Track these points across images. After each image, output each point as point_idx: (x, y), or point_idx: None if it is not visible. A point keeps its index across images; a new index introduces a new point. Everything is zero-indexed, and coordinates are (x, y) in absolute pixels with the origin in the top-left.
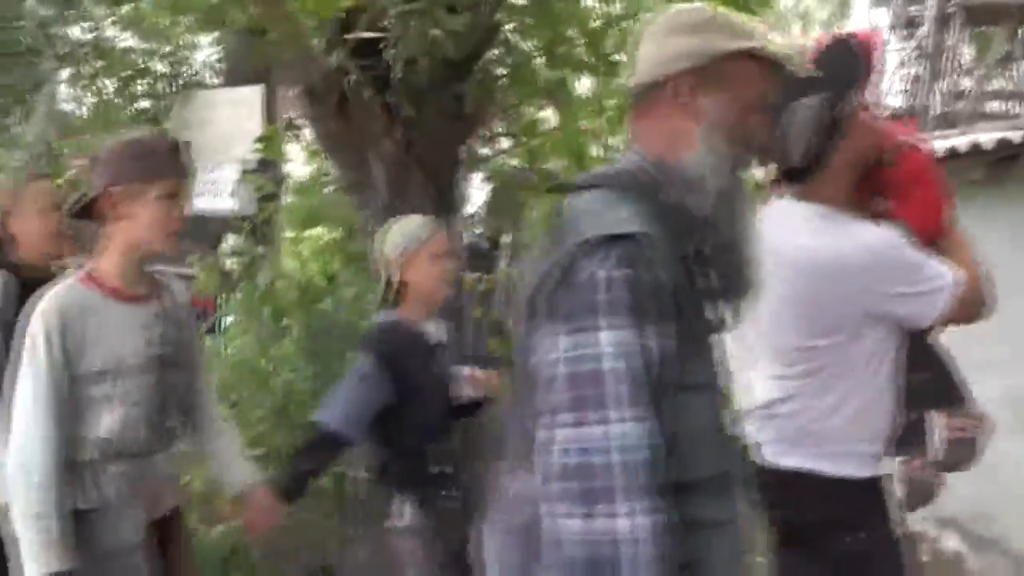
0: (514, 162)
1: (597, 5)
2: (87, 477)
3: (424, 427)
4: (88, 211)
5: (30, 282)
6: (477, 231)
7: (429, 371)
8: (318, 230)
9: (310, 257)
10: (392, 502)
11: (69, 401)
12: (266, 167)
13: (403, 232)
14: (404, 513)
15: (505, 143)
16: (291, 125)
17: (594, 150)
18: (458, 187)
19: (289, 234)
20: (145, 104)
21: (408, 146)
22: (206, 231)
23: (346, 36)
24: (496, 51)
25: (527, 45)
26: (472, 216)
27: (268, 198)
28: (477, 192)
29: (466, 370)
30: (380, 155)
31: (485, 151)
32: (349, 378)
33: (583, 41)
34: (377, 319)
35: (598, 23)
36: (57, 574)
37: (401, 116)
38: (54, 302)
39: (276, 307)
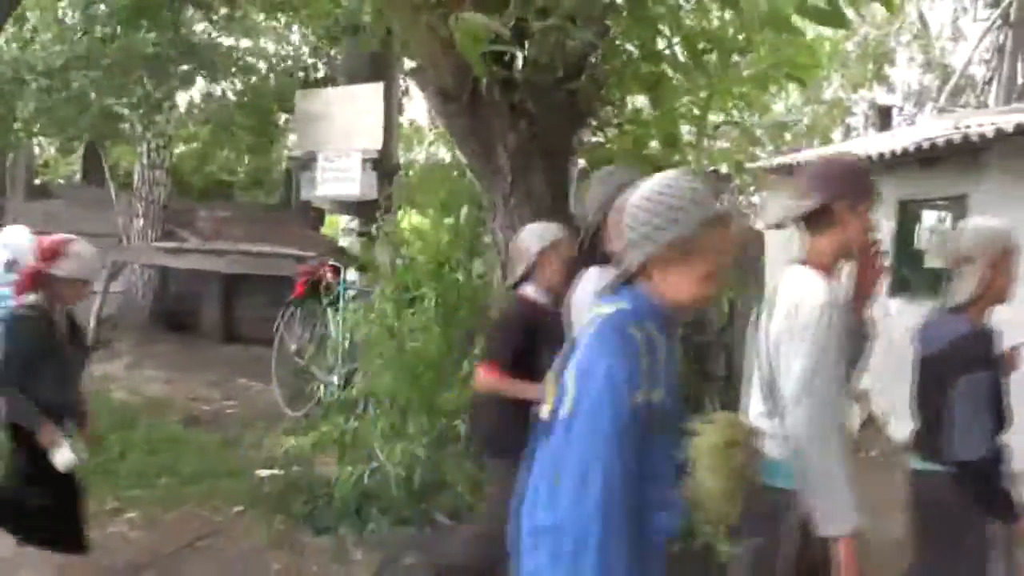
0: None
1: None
2: None
3: None
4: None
5: None
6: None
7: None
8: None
9: (437, 235)
10: None
11: None
12: (386, 155)
13: (540, 233)
14: None
15: (611, 132)
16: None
17: (685, 135)
18: (570, 172)
19: (418, 214)
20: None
21: (530, 138)
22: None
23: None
24: (603, 52)
25: (629, 46)
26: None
27: (392, 183)
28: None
29: None
30: (506, 146)
31: (594, 139)
32: None
33: (678, 40)
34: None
35: (691, 24)
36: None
37: (525, 112)
38: (831, 295)
39: (413, 278)
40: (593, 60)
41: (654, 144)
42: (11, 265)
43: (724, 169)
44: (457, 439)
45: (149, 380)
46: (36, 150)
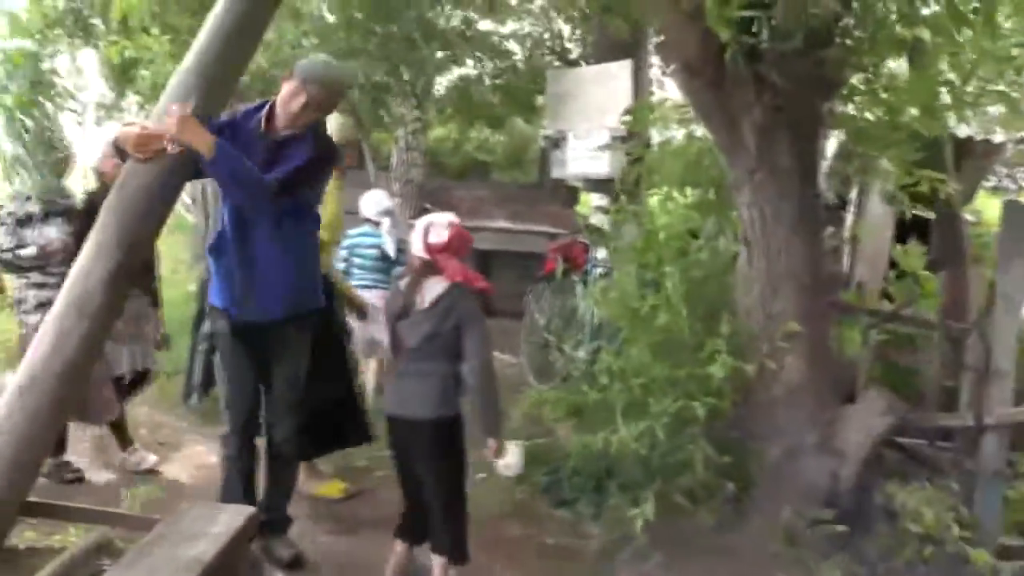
0: (870, 117)
1: None
2: None
3: None
4: None
5: None
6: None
7: None
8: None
9: (681, 212)
10: None
11: None
12: (633, 133)
13: None
14: None
15: (860, 100)
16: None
17: (947, 98)
18: (819, 145)
19: (662, 192)
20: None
21: (776, 110)
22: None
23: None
24: (854, 16)
25: (883, 7)
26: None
27: (637, 161)
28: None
29: None
30: (751, 120)
31: (845, 109)
32: None
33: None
34: None
35: None
36: None
37: (770, 83)
38: None
39: (656, 256)
40: (843, 25)
41: (912, 112)
42: (388, 212)
43: (997, 138)
44: (695, 420)
45: None
46: None
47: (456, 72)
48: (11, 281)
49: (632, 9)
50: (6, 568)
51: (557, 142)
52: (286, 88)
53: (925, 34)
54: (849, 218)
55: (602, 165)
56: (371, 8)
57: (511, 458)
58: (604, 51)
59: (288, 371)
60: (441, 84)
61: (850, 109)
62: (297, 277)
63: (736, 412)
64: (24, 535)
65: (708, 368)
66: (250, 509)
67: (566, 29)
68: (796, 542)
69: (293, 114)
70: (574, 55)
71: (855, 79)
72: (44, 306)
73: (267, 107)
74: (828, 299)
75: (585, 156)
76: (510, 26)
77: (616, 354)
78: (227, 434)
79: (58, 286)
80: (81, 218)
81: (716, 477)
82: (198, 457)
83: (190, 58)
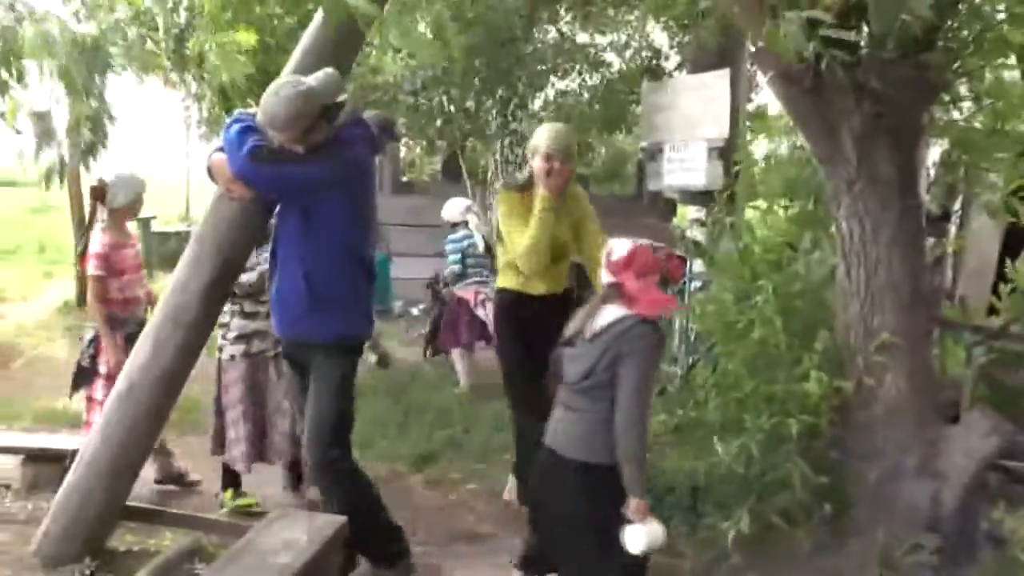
0: (977, 125)
1: None
2: None
3: None
4: None
5: None
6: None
7: None
8: (784, 200)
9: (779, 225)
10: None
11: None
12: (730, 146)
13: None
14: None
15: (968, 107)
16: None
17: None
18: (921, 153)
19: (761, 204)
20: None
21: (876, 117)
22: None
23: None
24: (960, 18)
25: (990, 8)
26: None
27: (735, 173)
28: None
29: None
30: (850, 128)
31: (948, 116)
32: None
33: None
34: None
35: None
36: None
37: (869, 90)
38: None
39: (751, 269)
40: (946, 27)
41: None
42: (469, 209)
43: None
44: (791, 438)
45: (493, 368)
46: (403, 151)
47: (555, 84)
48: None
49: (727, 17)
50: (106, 568)
51: (653, 154)
52: None
53: None
54: (952, 230)
55: (699, 177)
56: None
57: (647, 532)
58: (701, 61)
59: (313, 399)
60: (540, 97)
61: (955, 116)
62: (311, 295)
63: (834, 431)
64: (124, 538)
65: (804, 384)
66: (340, 519)
67: (663, 39)
68: (895, 567)
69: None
70: (671, 65)
71: (960, 84)
72: (246, 338)
73: None
74: (930, 314)
75: (681, 168)
76: (608, 37)
77: (713, 368)
78: None
79: (267, 317)
80: None
81: (813, 497)
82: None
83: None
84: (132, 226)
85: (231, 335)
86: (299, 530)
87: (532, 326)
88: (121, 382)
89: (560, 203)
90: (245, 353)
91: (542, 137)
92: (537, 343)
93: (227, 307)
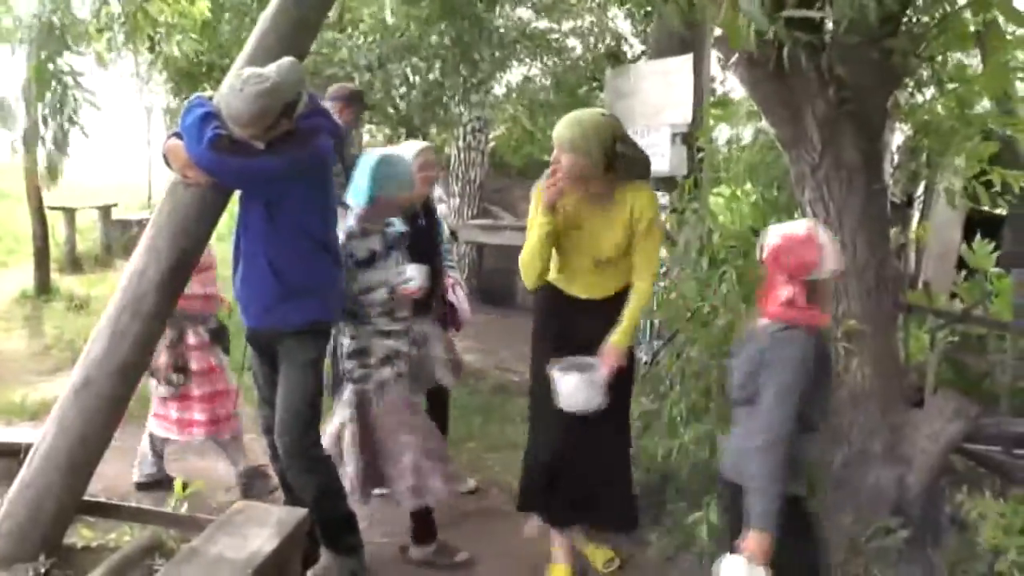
0: (940, 110)
1: None
2: None
3: None
4: None
5: None
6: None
7: None
8: (749, 185)
9: (743, 211)
10: None
11: None
12: (694, 132)
13: None
14: None
15: (930, 92)
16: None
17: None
18: (885, 139)
19: (723, 190)
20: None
21: (840, 103)
22: None
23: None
24: (923, 3)
25: None
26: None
27: (699, 158)
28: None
29: None
30: (814, 113)
31: (912, 101)
32: None
33: None
34: None
35: None
36: None
37: (833, 76)
38: None
39: (712, 257)
40: (910, 12)
41: (984, 104)
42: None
43: None
44: None
45: (466, 350)
46: (366, 137)
47: (518, 71)
48: None
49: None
50: (63, 565)
51: None
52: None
53: (1000, 17)
54: (915, 215)
55: (662, 163)
56: (433, 10)
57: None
58: (664, 47)
59: (286, 385)
60: (503, 83)
61: (919, 101)
62: (281, 284)
63: None
64: (81, 533)
65: None
66: (301, 512)
67: (625, 25)
68: (861, 551)
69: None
70: (635, 51)
71: (923, 70)
72: (390, 360)
73: None
74: (895, 300)
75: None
76: (569, 24)
77: (677, 355)
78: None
79: (406, 334)
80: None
81: None
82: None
83: (242, 60)
84: (92, 215)
85: (373, 359)
86: (261, 523)
87: (570, 330)
88: (77, 375)
89: (607, 202)
90: (397, 375)
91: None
92: (568, 348)
93: (350, 328)
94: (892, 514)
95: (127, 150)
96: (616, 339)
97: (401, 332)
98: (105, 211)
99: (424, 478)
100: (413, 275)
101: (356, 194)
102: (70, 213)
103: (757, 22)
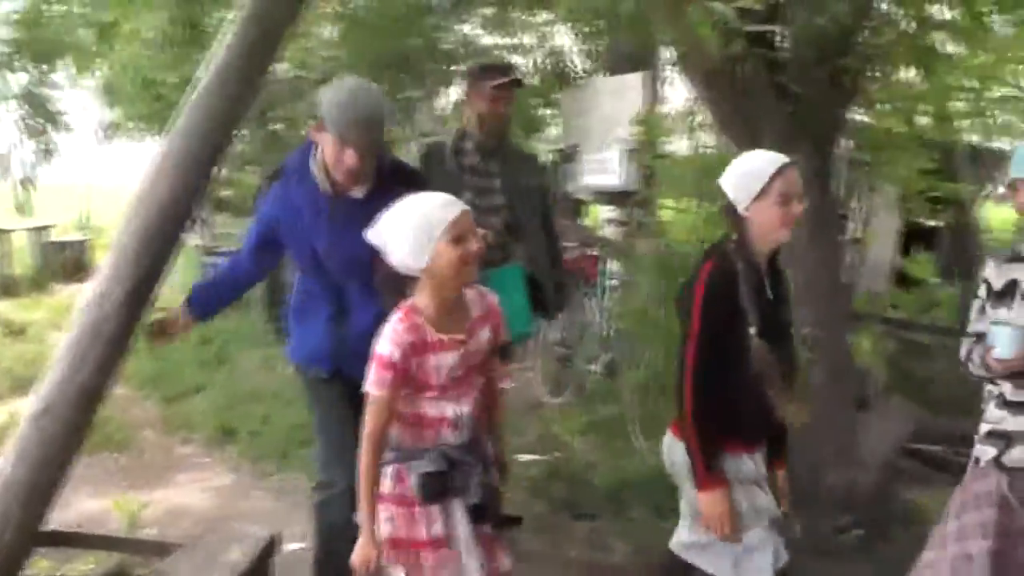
0: (885, 124)
1: None
2: None
3: None
4: None
5: None
6: None
7: None
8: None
9: (695, 224)
10: None
11: None
12: (648, 146)
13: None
14: None
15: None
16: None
17: (960, 105)
18: (833, 154)
19: (675, 204)
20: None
21: (796, 119)
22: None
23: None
24: (871, 23)
25: (899, 14)
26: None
27: (650, 174)
28: None
29: None
30: (770, 129)
31: (858, 117)
32: None
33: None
34: None
35: None
36: None
37: (790, 92)
38: None
39: (662, 267)
40: (860, 34)
41: (925, 121)
42: None
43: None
44: None
45: None
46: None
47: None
48: None
49: (646, 22)
50: None
51: (571, 155)
52: (326, 146)
53: (942, 41)
54: (852, 226)
55: (613, 177)
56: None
57: None
58: (616, 66)
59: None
60: (447, 98)
61: (867, 117)
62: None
63: None
64: (39, 564)
65: None
66: (266, 535)
67: (569, 42)
68: (817, 549)
69: (354, 172)
70: (584, 68)
71: (873, 88)
72: (1004, 438)
73: (316, 157)
74: (846, 307)
75: (598, 168)
76: (513, 40)
77: (635, 366)
78: None
79: None
80: None
81: None
82: (206, 481)
83: (209, 77)
84: (23, 236)
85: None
86: (227, 549)
87: None
88: (36, 401)
89: None
90: (996, 459)
91: None
92: None
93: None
94: (846, 513)
95: (63, 165)
96: None
97: None
98: (39, 232)
99: None
100: None
101: None
102: (5, 235)
103: (731, 20)
